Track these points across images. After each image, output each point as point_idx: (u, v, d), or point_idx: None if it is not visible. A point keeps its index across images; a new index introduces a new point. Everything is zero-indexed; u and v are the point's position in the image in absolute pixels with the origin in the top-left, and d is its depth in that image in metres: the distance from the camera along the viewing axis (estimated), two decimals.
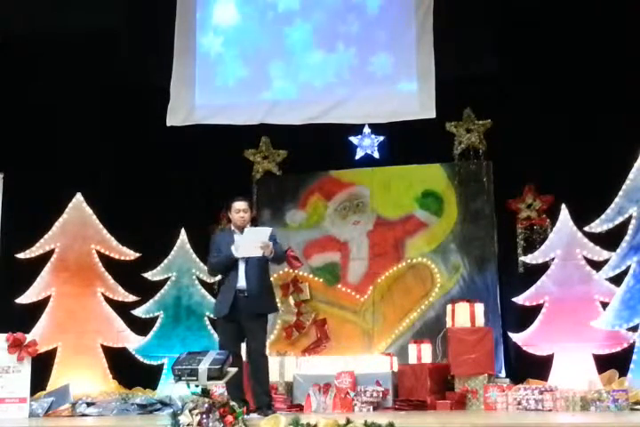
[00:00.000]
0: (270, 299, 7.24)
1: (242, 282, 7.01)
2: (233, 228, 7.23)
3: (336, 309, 10.25)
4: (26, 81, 9.90)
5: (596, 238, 8.89)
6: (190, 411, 5.87)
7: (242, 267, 7.04)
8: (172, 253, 10.26)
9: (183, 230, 10.26)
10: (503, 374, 9.26)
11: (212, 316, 10.11)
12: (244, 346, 7.17)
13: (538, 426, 6.28)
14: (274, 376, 8.22)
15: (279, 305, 8.70)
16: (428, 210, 10.19)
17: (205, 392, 5.94)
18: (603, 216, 8.64)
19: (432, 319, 9.79)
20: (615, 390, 7.57)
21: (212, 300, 10.11)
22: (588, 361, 8.71)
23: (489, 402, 8.01)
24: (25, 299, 9.67)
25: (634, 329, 8.32)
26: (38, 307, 9.73)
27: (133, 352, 9.98)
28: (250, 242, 6.89)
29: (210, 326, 10.12)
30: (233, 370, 6.22)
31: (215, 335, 9.98)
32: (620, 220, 8.58)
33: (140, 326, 10.05)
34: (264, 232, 6.97)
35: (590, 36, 9.11)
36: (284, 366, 8.91)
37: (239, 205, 7.15)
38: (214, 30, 10.07)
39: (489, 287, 9.74)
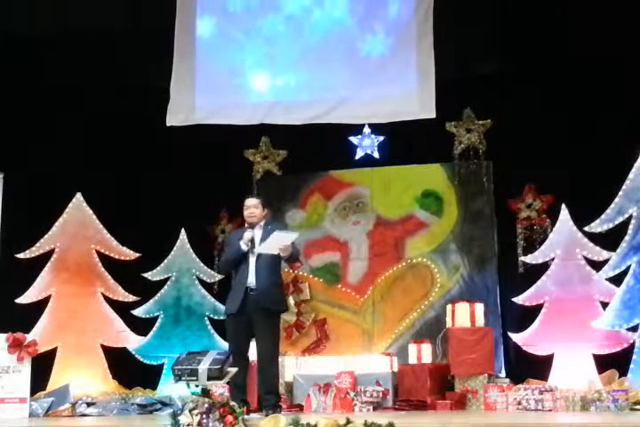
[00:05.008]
0: (280, 296, 7.25)
1: (252, 278, 7.04)
2: (246, 225, 7.27)
3: (336, 309, 10.26)
4: (26, 81, 9.88)
5: (595, 238, 8.88)
6: (190, 411, 5.88)
7: (252, 263, 7.07)
8: (172, 253, 10.26)
9: (183, 230, 10.26)
10: (503, 374, 9.26)
11: (212, 316, 10.14)
12: (252, 345, 7.17)
13: (538, 426, 6.27)
14: None
15: None
16: (428, 210, 10.20)
17: (205, 392, 5.94)
18: (603, 216, 8.62)
19: (432, 319, 9.80)
20: (615, 390, 7.59)
21: (212, 300, 10.15)
22: (587, 361, 8.70)
23: (489, 402, 8.01)
24: (25, 299, 9.65)
25: (634, 329, 8.31)
26: (38, 307, 9.72)
27: (133, 352, 9.98)
28: (273, 243, 6.93)
29: (210, 326, 10.12)
30: (233, 370, 6.22)
31: (215, 335, 10.03)
32: (620, 220, 8.56)
33: (140, 326, 10.04)
34: (290, 237, 7.03)
35: (590, 36, 9.09)
36: (284, 366, 8.91)
37: (248, 201, 7.28)
38: (214, 30, 10.05)
39: (489, 287, 9.75)
